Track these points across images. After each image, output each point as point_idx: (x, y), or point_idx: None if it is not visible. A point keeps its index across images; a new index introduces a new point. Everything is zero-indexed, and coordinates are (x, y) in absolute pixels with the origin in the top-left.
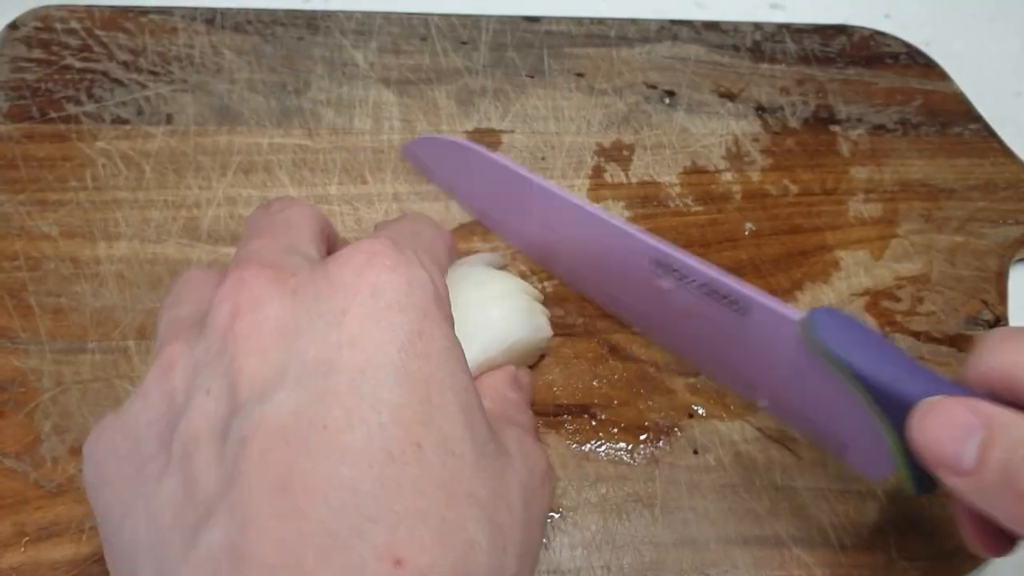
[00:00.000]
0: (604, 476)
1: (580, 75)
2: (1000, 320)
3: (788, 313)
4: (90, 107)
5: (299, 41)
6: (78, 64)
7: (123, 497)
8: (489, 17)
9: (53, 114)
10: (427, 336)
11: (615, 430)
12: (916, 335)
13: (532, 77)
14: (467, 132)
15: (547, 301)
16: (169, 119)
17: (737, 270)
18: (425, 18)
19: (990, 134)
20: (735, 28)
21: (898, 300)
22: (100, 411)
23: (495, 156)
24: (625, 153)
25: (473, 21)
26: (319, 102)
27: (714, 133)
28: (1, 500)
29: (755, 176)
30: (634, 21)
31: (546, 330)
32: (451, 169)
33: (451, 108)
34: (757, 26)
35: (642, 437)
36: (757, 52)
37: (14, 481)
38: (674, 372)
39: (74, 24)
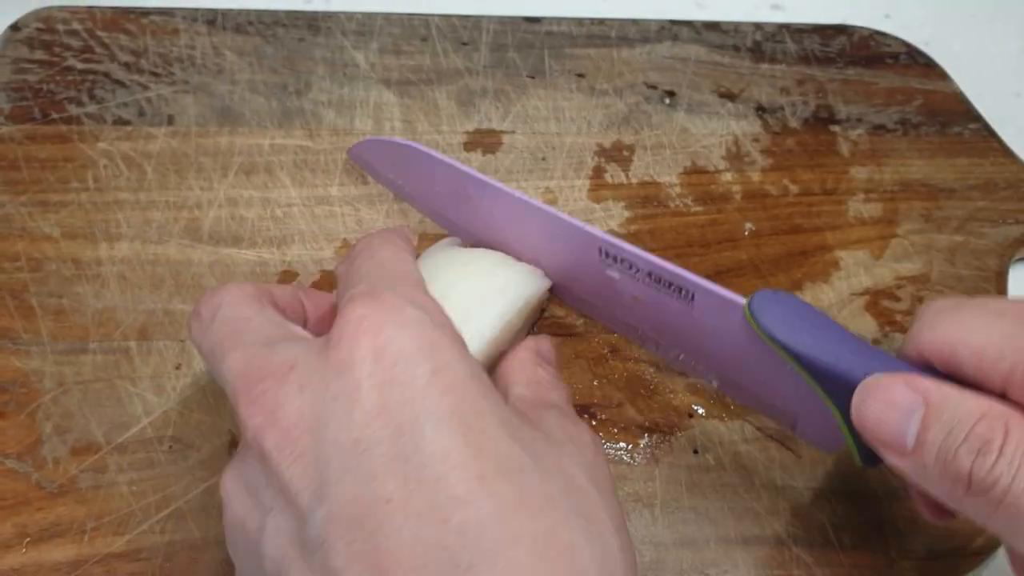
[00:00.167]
0: None
1: (581, 75)
2: None
3: (732, 298)
4: (92, 108)
5: (300, 42)
6: (80, 65)
7: None
8: (490, 18)
9: (55, 115)
10: (443, 370)
11: (615, 430)
12: None
13: (533, 78)
14: (468, 132)
15: (545, 301)
16: (170, 120)
17: (737, 270)
18: (426, 19)
19: (990, 134)
20: (735, 28)
21: (898, 300)
22: (101, 412)
23: (438, 155)
24: (625, 153)
25: (474, 22)
26: (320, 103)
27: (714, 133)
28: (2, 501)
29: (755, 176)
30: (635, 21)
31: (545, 280)
32: (397, 170)
33: (452, 109)
34: (757, 26)
35: (642, 437)
36: (757, 52)
37: (15, 482)
38: (674, 372)
39: (76, 25)
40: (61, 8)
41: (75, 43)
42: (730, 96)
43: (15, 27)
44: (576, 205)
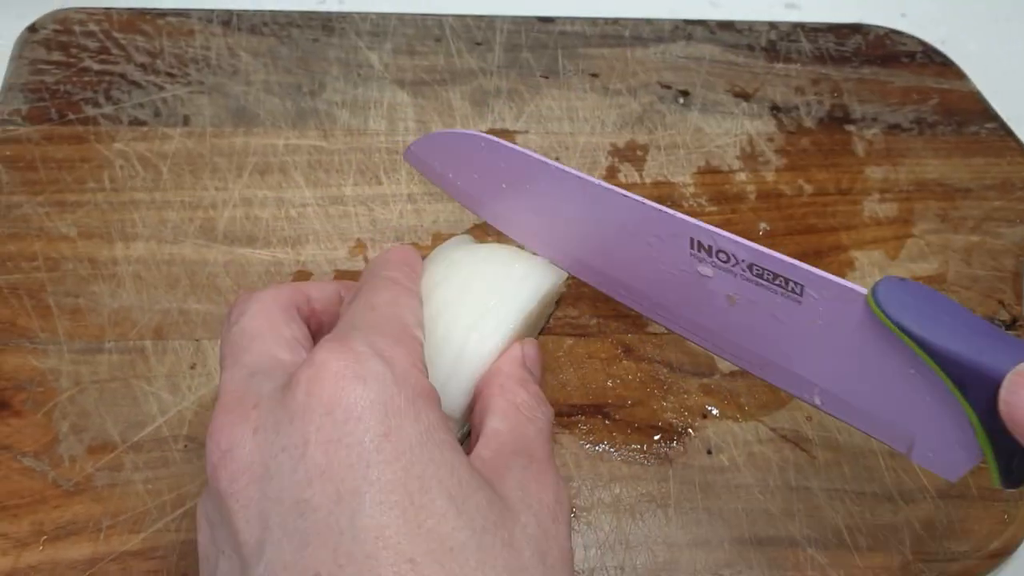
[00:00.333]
0: (618, 476)
1: (594, 75)
2: (1017, 320)
3: (852, 288)
4: (108, 109)
5: (314, 43)
6: (96, 66)
7: None
8: (503, 18)
9: (71, 116)
10: (394, 434)
11: (629, 430)
12: None
13: (546, 77)
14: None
15: (559, 302)
16: (186, 120)
17: None
18: (439, 19)
19: (1007, 133)
20: (750, 27)
21: None
22: (117, 411)
23: (507, 144)
24: (639, 153)
25: (487, 22)
26: (334, 103)
27: (728, 133)
28: (19, 499)
29: (769, 176)
30: (648, 21)
31: (562, 273)
32: (455, 166)
33: (465, 109)
34: (772, 25)
35: (656, 437)
36: (772, 51)
37: (32, 480)
38: (688, 372)
39: (92, 27)
40: (78, 10)
41: (92, 44)
42: (744, 96)
43: (32, 28)
44: None
